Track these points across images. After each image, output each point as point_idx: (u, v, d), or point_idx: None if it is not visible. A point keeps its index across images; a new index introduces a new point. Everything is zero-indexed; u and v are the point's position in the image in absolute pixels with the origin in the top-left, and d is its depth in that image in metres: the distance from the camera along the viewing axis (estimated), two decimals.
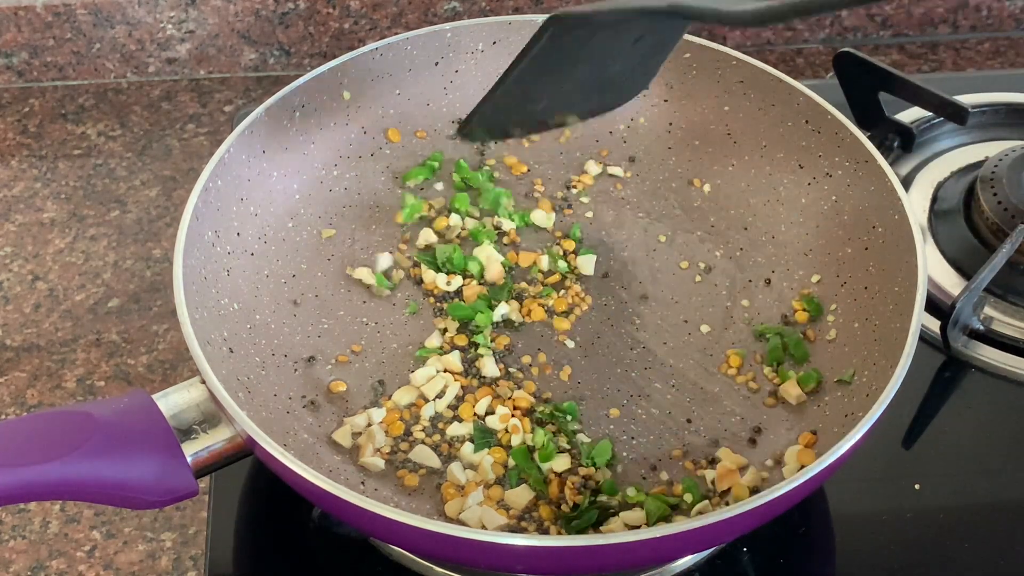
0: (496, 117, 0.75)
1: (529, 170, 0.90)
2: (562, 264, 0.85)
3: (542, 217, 0.87)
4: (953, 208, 0.93)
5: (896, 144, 0.97)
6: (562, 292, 0.84)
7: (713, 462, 0.75)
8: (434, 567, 0.75)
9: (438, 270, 0.84)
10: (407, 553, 0.75)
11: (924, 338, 0.84)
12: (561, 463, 0.74)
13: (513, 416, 0.76)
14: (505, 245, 0.86)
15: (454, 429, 0.76)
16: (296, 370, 0.79)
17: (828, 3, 0.60)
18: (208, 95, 1.12)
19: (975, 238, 0.91)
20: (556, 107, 0.77)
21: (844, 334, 0.79)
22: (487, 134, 0.80)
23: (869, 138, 0.81)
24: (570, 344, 0.81)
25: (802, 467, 0.71)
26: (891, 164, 0.82)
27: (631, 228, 0.88)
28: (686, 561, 0.75)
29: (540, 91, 0.73)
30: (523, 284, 0.84)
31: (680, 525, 0.63)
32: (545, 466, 0.74)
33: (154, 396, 0.70)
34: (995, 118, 1.01)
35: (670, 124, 0.91)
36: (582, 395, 0.79)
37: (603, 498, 0.73)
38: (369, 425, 0.76)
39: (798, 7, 0.60)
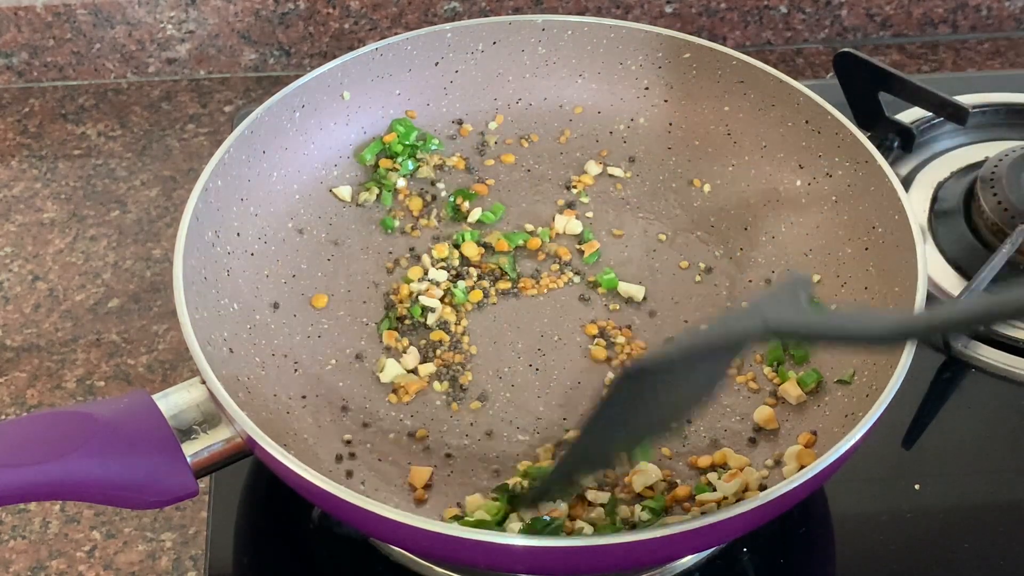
0: (567, 475, 0.69)
1: (529, 170, 0.90)
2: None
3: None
4: (953, 208, 0.93)
5: (896, 144, 0.97)
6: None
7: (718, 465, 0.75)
8: (434, 567, 0.75)
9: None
10: (407, 553, 0.75)
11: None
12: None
13: None
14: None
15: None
16: (296, 370, 0.79)
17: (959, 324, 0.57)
18: (208, 95, 1.12)
19: (975, 238, 0.91)
20: (622, 447, 0.69)
21: None
22: (548, 500, 0.71)
23: (869, 138, 0.81)
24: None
25: (802, 467, 0.71)
26: (891, 164, 0.82)
27: (631, 228, 0.88)
28: (686, 561, 0.75)
29: (604, 445, 0.66)
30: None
31: (680, 525, 0.63)
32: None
33: (154, 396, 0.70)
34: (995, 118, 1.00)
35: (670, 124, 0.91)
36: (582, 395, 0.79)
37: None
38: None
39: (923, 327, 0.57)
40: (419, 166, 0.89)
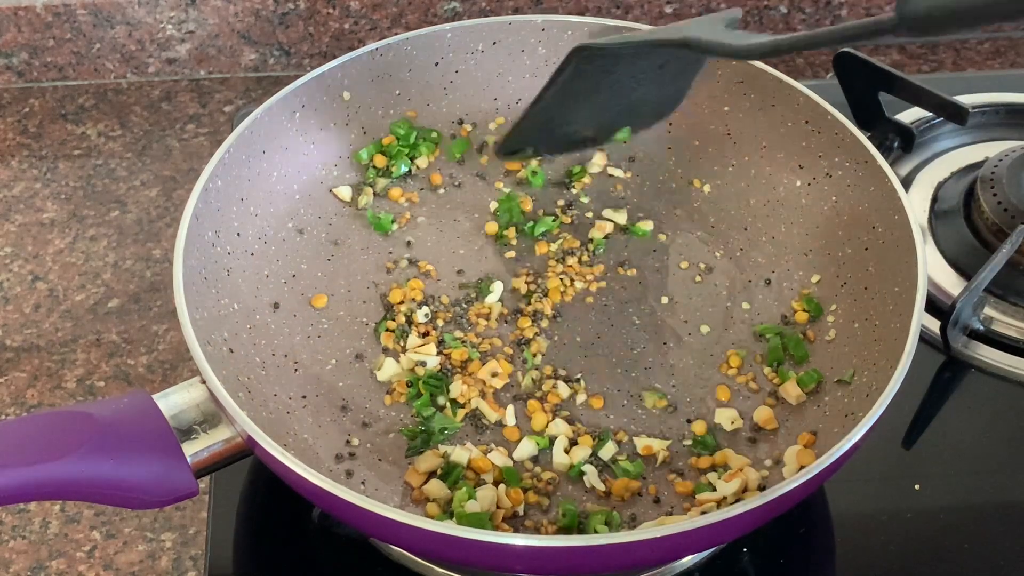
0: (528, 137, 0.79)
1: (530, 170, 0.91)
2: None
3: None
4: (953, 208, 0.93)
5: (896, 144, 0.97)
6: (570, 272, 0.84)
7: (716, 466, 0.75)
8: (434, 567, 0.75)
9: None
10: (407, 553, 0.75)
11: (924, 338, 0.84)
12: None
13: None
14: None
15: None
16: (296, 370, 0.79)
17: (831, 39, 0.63)
18: (208, 95, 1.12)
19: (975, 238, 0.91)
20: (585, 129, 0.80)
21: (844, 334, 0.79)
22: (521, 151, 0.83)
23: (869, 138, 0.81)
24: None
25: (802, 467, 0.71)
26: (891, 164, 0.82)
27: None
28: (686, 561, 0.75)
29: (568, 115, 0.77)
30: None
31: (680, 525, 0.63)
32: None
33: (154, 396, 0.70)
34: (995, 118, 1.01)
35: (670, 124, 0.91)
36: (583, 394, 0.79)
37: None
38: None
39: (800, 42, 0.64)
40: (410, 169, 0.89)
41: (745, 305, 0.83)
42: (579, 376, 0.79)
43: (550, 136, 0.80)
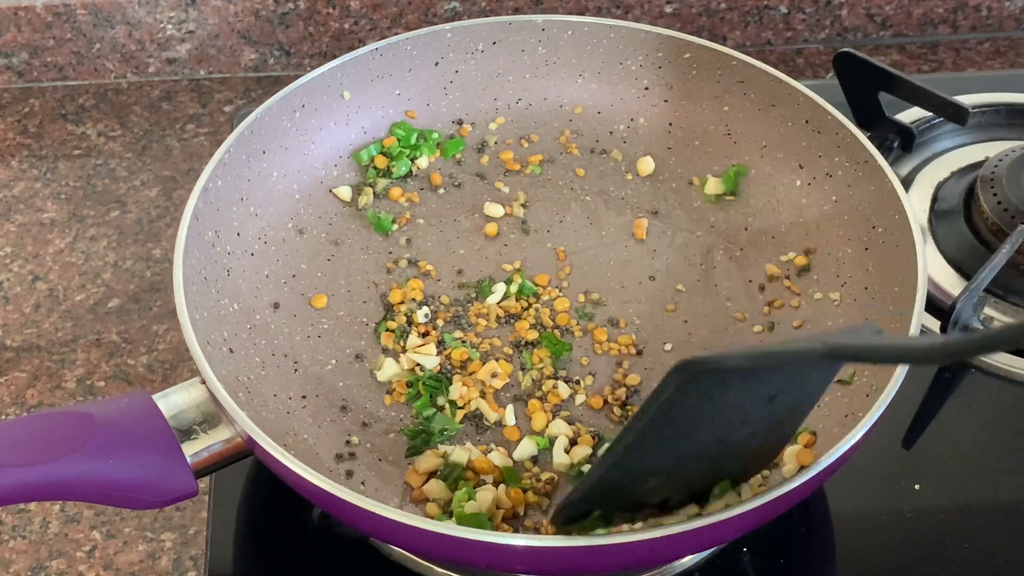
0: (598, 498, 0.63)
1: (530, 170, 0.90)
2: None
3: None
4: (953, 208, 0.93)
5: (896, 144, 0.97)
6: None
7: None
8: (434, 567, 0.75)
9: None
10: (407, 553, 0.75)
11: None
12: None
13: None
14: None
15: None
16: (296, 370, 0.79)
17: (1000, 344, 0.52)
18: (208, 95, 1.12)
19: (975, 238, 0.91)
20: (668, 485, 0.63)
21: None
22: (584, 517, 0.64)
23: (869, 138, 0.81)
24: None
25: (801, 467, 0.71)
26: (891, 164, 0.82)
27: (631, 228, 0.87)
28: (686, 561, 0.75)
29: (653, 462, 0.61)
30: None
31: (680, 525, 0.63)
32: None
33: (154, 396, 0.70)
34: (995, 118, 1.01)
35: (670, 124, 0.91)
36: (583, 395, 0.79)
37: None
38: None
39: (978, 345, 0.52)
40: (411, 170, 0.89)
41: (746, 305, 0.83)
42: (578, 377, 0.80)
43: (625, 495, 0.63)
